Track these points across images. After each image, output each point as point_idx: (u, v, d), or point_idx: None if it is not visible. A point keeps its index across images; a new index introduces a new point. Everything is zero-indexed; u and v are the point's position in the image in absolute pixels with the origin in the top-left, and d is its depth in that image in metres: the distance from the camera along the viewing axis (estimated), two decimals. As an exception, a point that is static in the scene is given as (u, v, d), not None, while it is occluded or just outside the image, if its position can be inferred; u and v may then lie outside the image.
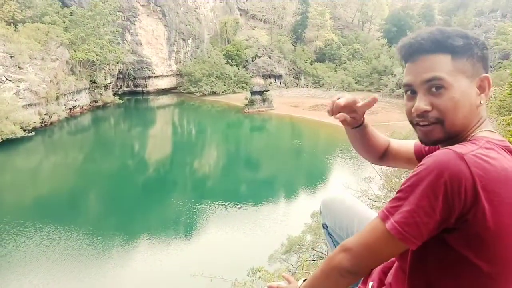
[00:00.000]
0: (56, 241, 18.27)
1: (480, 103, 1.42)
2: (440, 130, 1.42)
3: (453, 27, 1.48)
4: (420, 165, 1.29)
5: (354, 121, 1.95)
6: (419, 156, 1.83)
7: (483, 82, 1.41)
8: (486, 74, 1.41)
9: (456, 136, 1.44)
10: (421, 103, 1.41)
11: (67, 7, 49.71)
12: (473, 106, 1.41)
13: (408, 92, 1.48)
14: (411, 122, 1.51)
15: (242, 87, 59.05)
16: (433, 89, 1.39)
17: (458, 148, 1.28)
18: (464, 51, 1.38)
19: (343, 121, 1.93)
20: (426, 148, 1.78)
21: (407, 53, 1.46)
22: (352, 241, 1.40)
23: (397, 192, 1.33)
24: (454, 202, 1.21)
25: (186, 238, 19.73)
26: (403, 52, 1.47)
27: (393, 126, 34.81)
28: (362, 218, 1.94)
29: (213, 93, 57.53)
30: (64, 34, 44.74)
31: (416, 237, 1.27)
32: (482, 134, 1.41)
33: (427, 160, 1.28)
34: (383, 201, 12.90)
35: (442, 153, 1.27)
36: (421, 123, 1.45)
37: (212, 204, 22.97)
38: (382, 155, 1.99)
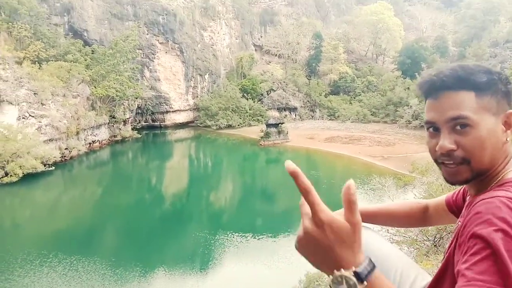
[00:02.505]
0: (79, 272, 18.55)
1: (507, 140, 1.37)
2: (466, 170, 1.36)
3: (475, 63, 1.43)
4: (487, 221, 1.13)
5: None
6: (450, 207, 1.77)
7: (508, 118, 1.37)
8: (511, 110, 1.38)
9: (483, 174, 1.38)
10: (446, 141, 1.36)
11: (89, 46, 51.78)
12: (499, 144, 1.36)
13: (431, 129, 1.44)
14: (436, 161, 1.45)
15: (258, 120, 59.59)
16: (458, 127, 1.34)
17: (503, 193, 1.21)
18: (488, 87, 1.34)
19: None
20: (454, 197, 1.73)
21: (429, 90, 1.42)
22: None
23: (476, 254, 1.10)
24: None
25: (203, 271, 19.49)
26: (425, 88, 1.44)
27: (411, 158, 34.36)
28: (384, 257, 1.84)
29: (229, 126, 58.16)
30: (86, 71, 46.42)
31: None
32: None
33: (487, 207, 1.17)
34: (403, 235, 12.53)
35: (499, 202, 1.17)
36: (446, 162, 1.39)
37: (228, 237, 22.71)
38: (422, 219, 1.93)
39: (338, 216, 1.09)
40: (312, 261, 1.11)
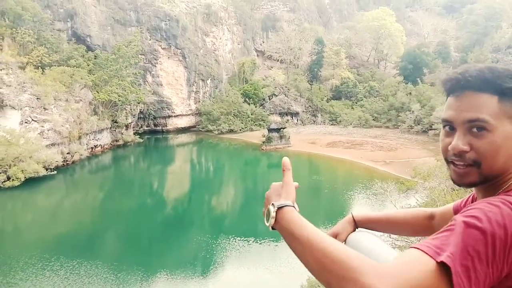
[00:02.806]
0: (81, 276, 18.65)
1: None
2: (475, 173, 1.35)
3: (504, 66, 1.38)
4: (473, 208, 1.20)
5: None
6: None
7: None
8: None
9: (492, 180, 1.37)
10: (460, 142, 1.35)
11: (92, 51, 52.03)
12: None
13: (447, 127, 1.42)
14: (446, 159, 1.43)
15: (260, 124, 59.65)
16: (474, 129, 1.32)
17: (510, 198, 1.21)
18: None
19: None
20: (462, 204, 1.72)
21: (452, 87, 1.40)
22: (390, 271, 1.10)
23: (446, 229, 1.19)
24: (510, 259, 1.13)
25: (205, 275, 19.47)
26: (448, 86, 1.42)
27: (413, 163, 34.28)
28: (387, 259, 1.85)
29: (231, 131, 58.21)
30: (88, 76, 46.64)
31: (467, 286, 1.10)
32: None
33: (483, 205, 1.19)
34: (405, 240, 12.51)
35: (500, 202, 1.19)
36: (456, 162, 1.38)
37: (230, 241, 22.67)
38: (428, 227, 1.91)
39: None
40: (265, 205, 1.56)
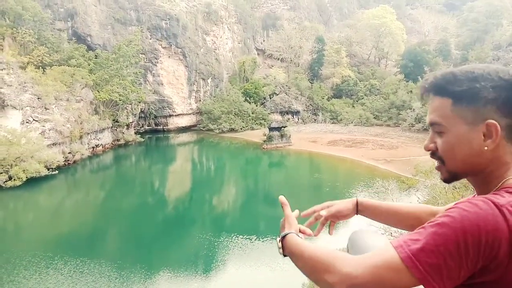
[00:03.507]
0: (85, 274, 18.78)
1: (485, 148, 1.37)
2: (444, 170, 1.50)
3: (468, 69, 1.41)
4: (453, 207, 1.27)
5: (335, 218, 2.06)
6: None
7: (489, 128, 1.34)
8: (492, 121, 1.33)
9: (461, 177, 1.49)
10: (427, 141, 1.52)
11: (92, 51, 52.05)
12: (474, 151, 1.39)
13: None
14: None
15: (260, 123, 59.66)
16: (437, 130, 1.48)
17: (494, 197, 1.25)
18: (467, 96, 1.36)
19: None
20: None
21: (420, 93, 1.54)
22: (355, 266, 1.27)
23: (421, 227, 1.27)
24: (484, 256, 1.17)
25: (207, 274, 19.53)
26: (420, 92, 1.55)
27: (414, 161, 34.28)
28: None
29: (232, 130, 58.23)
30: (89, 76, 46.65)
31: (437, 282, 1.18)
32: None
33: (463, 205, 1.24)
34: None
35: (481, 201, 1.24)
36: (434, 160, 1.53)
37: (232, 240, 22.71)
38: None
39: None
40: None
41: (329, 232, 2.04)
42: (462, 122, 1.39)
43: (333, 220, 2.04)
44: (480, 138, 1.37)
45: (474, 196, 1.69)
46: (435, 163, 1.54)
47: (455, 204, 1.31)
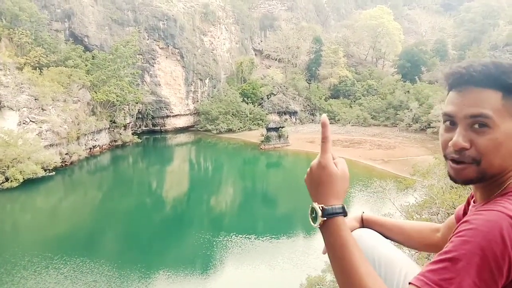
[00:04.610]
0: (84, 273, 18.88)
1: None
2: (473, 171, 1.32)
3: (510, 62, 1.33)
4: (469, 228, 1.16)
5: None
6: (459, 219, 1.78)
7: None
8: None
9: (489, 179, 1.34)
10: (460, 138, 1.31)
11: (89, 51, 51.94)
12: None
13: (447, 122, 1.38)
14: (445, 155, 1.40)
15: (258, 124, 59.65)
16: (476, 126, 1.29)
17: (507, 209, 1.18)
18: None
19: None
20: (461, 209, 1.70)
21: (455, 82, 1.36)
22: None
23: (442, 259, 1.16)
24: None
25: (204, 275, 19.54)
26: (451, 80, 1.38)
27: (411, 161, 34.32)
28: (389, 257, 1.84)
29: (230, 130, 58.19)
30: (86, 76, 46.53)
31: None
32: None
33: (479, 224, 1.15)
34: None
35: (497, 217, 1.15)
36: (456, 159, 1.35)
37: (229, 241, 22.71)
38: (432, 241, 1.89)
39: (341, 166, 1.42)
40: (308, 190, 1.43)
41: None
42: (511, 118, 1.28)
43: None
44: None
45: (470, 197, 1.63)
46: (453, 162, 1.37)
47: (465, 221, 1.22)
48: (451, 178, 1.40)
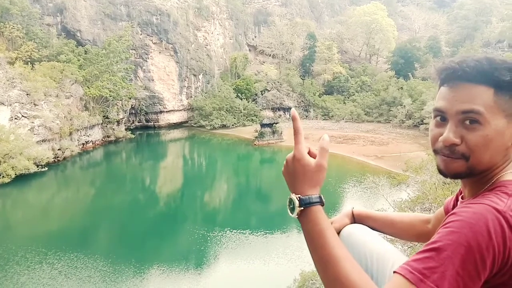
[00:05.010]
0: (79, 268, 18.88)
1: (511, 145, 1.33)
2: (463, 165, 1.33)
3: (503, 58, 1.34)
4: (457, 220, 1.18)
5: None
6: (448, 212, 1.78)
7: None
8: None
9: (478, 174, 1.35)
10: (451, 134, 1.32)
11: (82, 46, 51.48)
12: (503, 147, 1.32)
13: (438, 118, 1.38)
14: (434, 150, 1.41)
15: (252, 120, 59.61)
16: (467, 122, 1.30)
17: (494, 203, 1.20)
18: (510, 87, 1.28)
19: None
20: (450, 203, 1.72)
21: (448, 77, 1.36)
22: None
23: (427, 249, 1.18)
24: (498, 265, 1.14)
25: (198, 270, 19.58)
26: (443, 75, 1.37)
27: (404, 157, 34.54)
28: (381, 252, 1.86)
29: (223, 126, 58.10)
30: (79, 71, 46.12)
31: None
32: (509, 177, 1.32)
33: (467, 216, 1.17)
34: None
35: (484, 210, 1.17)
36: (445, 154, 1.36)
37: (223, 237, 22.75)
38: (423, 232, 1.91)
39: (317, 157, 1.42)
40: (287, 182, 1.45)
41: None
42: (502, 115, 1.28)
43: None
44: (511, 134, 1.31)
45: (459, 192, 1.65)
46: (438, 157, 1.39)
47: (452, 213, 1.24)
48: (440, 172, 1.41)
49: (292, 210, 1.40)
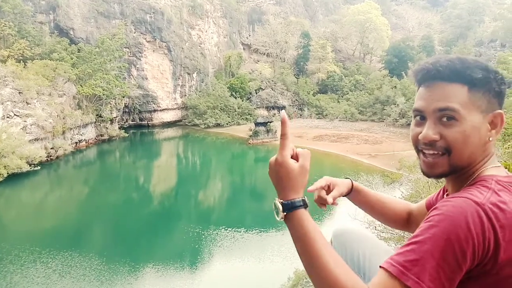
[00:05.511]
0: (73, 267, 18.82)
1: (489, 139, 1.38)
2: (445, 163, 1.38)
3: (474, 58, 1.42)
4: (437, 214, 1.22)
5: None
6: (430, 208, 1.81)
7: (496, 118, 1.37)
8: (500, 111, 1.37)
9: (460, 171, 1.39)
10: (430, 131, 1.37)
11: (75, 44, 51.09)
12: (481, 142, 1.36)
13: (417, 118, 1.45)
14: (416, 148, 1.47)
15: (246, 118, 59.57)
16: (444, 119, 1.35)
17: (474, 196, 1.23)
18: (482, 84, 1.34)
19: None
20: (434, 198, 1.75)
21: (423, 78, 1.42)
22: None
23: (409, 243, 1.22)
24: (479, 256, 1.17)
25: (192, 269, 19.57)
26: (419, 76, 1.44)
27: (398, 155, 34.72)
28: (374, 251, 1.88)
29: (218, 125, 58.01)
30: (72, 70, 45.76)
31: None
32: (490, 172, 1.37)
33: (446, 209, 1.21)
34: (391, 232, 12.67)
35: (463, 203, 1.21)
36: (426, 151, 1.41)
37: (218, 236, 22.75)
38: (406, 222, 1.95)
39: (300, 159, 1.43)
40: (274, 185, 1.46)
41: (333, 203, 1.90)
42: (477, 111, 1.34)
43: (330, 188, 1.95)
44: (488, 128, 1.37)
45: (443, 189, 1.69)
46: (424, 156, 1.43)
47: (434, 208, 1.27)
48: (424, 173, 1.46)
49: (277, 214, 1.41)
